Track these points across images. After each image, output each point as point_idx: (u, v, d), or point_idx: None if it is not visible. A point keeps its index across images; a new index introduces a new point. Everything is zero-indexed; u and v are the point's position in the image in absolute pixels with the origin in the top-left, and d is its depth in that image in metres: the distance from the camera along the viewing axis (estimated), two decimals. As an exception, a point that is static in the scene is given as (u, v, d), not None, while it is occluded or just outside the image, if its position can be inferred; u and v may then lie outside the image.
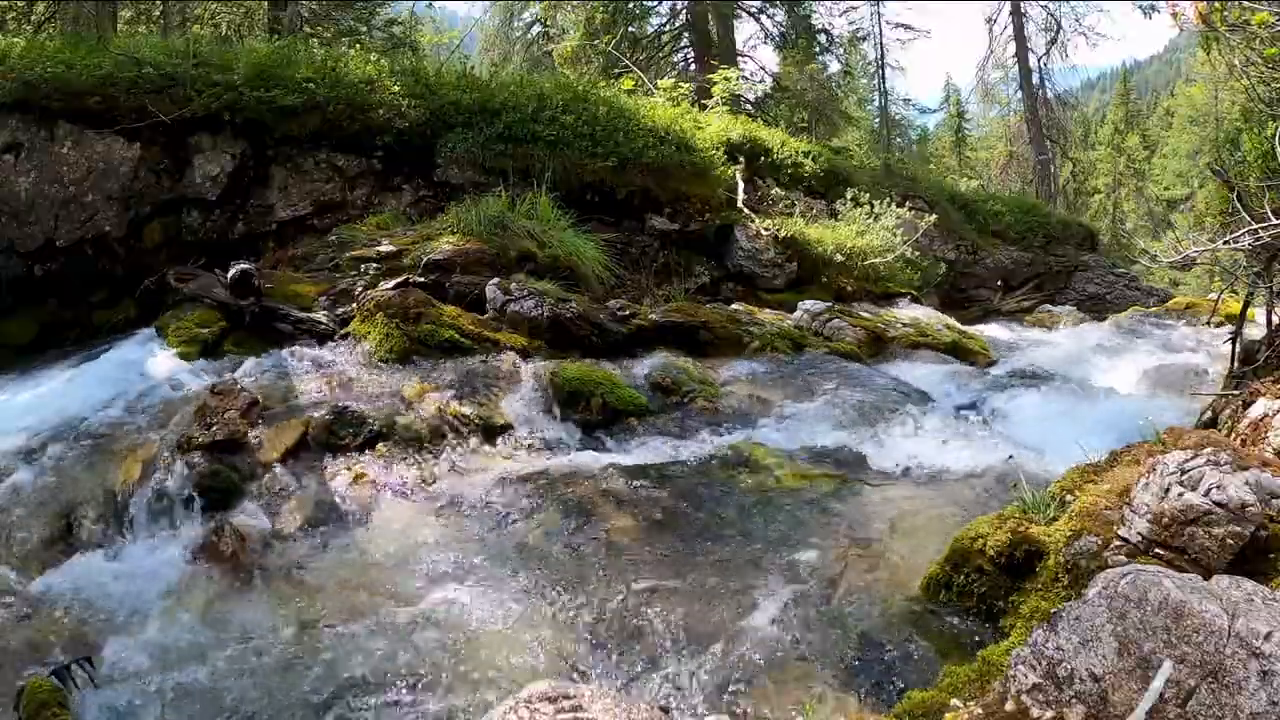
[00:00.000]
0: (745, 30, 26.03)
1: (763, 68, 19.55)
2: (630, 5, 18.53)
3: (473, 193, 7.79)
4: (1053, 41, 23.17)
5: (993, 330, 9.28)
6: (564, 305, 6.11)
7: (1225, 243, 3.96)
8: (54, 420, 4.76)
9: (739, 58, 17.92)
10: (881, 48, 22.73)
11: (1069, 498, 3.04)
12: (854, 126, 22.44)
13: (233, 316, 5.89)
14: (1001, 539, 2.89)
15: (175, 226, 7.45)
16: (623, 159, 8.43)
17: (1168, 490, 2.63)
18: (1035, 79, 23.46)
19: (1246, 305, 4.57)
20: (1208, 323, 7.61)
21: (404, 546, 3.74)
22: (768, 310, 7.50)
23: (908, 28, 22.74)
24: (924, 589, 3.10)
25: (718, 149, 9.84)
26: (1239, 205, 3.88)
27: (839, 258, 9.04)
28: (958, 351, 7.27)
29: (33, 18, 11.76)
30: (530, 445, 4.67)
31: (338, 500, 4.09)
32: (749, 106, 15.65)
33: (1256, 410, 3.38)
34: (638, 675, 2.88)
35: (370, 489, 4.16)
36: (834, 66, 20.81)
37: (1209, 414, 3.93)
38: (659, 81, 12.67)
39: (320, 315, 6.07)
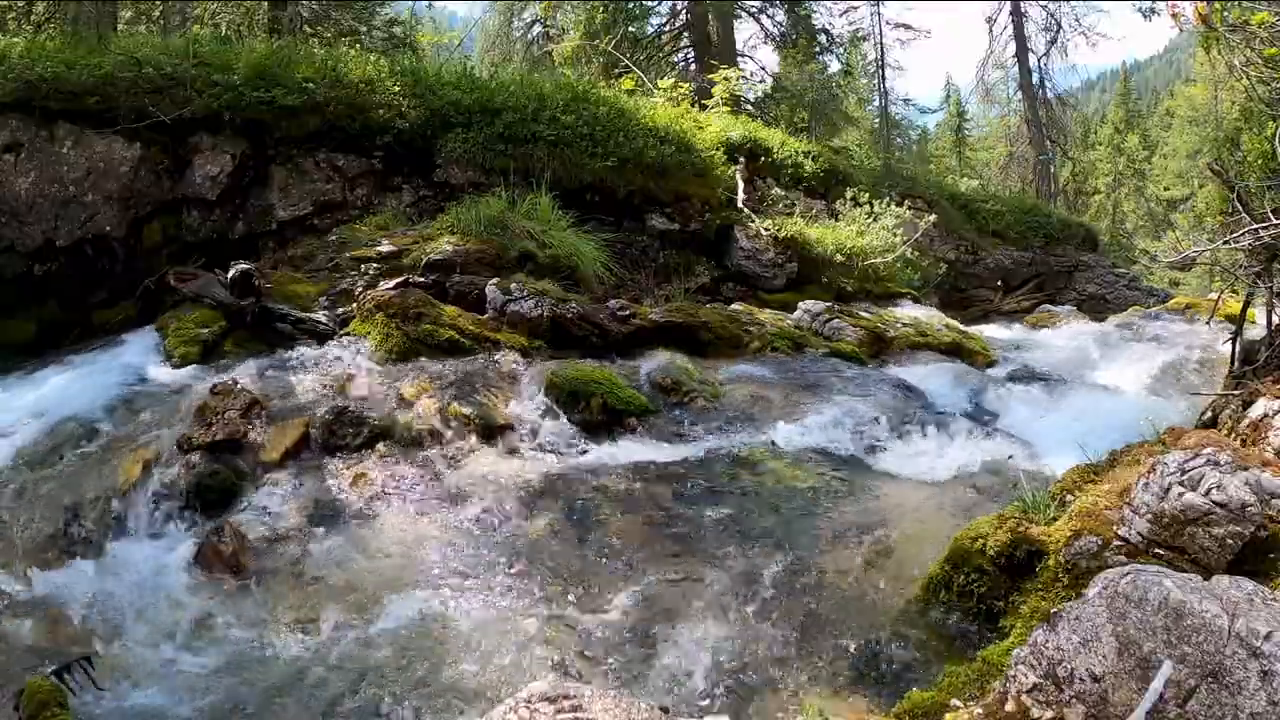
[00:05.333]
0: (745, 30, 25.97)
1: (763, 68, 19.51)
2: (630, 5, 18.50)
3: (473, 193, 7.79)
4: (1053, 41, 23.13)
5: (993, 330, 9.28)
6: (564, 305, 6.11)
7: (1225, 243, 3.95)
8: (54, 420, 4.76)
9: (739, 58, 17.89)
10: (881, 48, 22.64)
11: (1069, 498, 3.04)
12: (854, 126, 22.36)
13: (233, 317, 5.89)
14: (1001, 539, 2.89)
15: (175, 226, 7.44)
16: (623, 159, 8.43)
17: (1168, 490, 2.63)
18: (1035, 79, 23.42)
19: (1246, 305, 4.56)
20: (1208, 323, 7.60)
21: (404, 546, 3.74)
22: (768, 310, 7.50)
23: (908, 28, 22.61)
24: (924, 589, 3.10)
25: (718, 149, 9.85)
26: (1239, 205, 3.87)
27: (839, 258, 9.03)
28: (958, 352, 7.27)
29: (33, 18, 11.74)
30: (530, 445, 4.67)
31: (338, 500, 4.09)
32: (749, 106, 15.63)
33: (1256, 410, 3.37)
34: (638, 674, 2.88)
35: (370, 489, 4.16)
36: (834, 66, 20.78)
37: (1209, 414, 3.93)
38: (659, 81, 12.65)
39: (320, 315, 6.07)
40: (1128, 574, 1.97)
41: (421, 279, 6.35)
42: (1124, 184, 35.66)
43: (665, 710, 2.35)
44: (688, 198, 9.07)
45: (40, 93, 7.01)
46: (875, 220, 9.80)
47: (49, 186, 7.02)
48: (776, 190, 10.23)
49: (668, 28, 19.45)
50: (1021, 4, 23.24)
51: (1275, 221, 3.57)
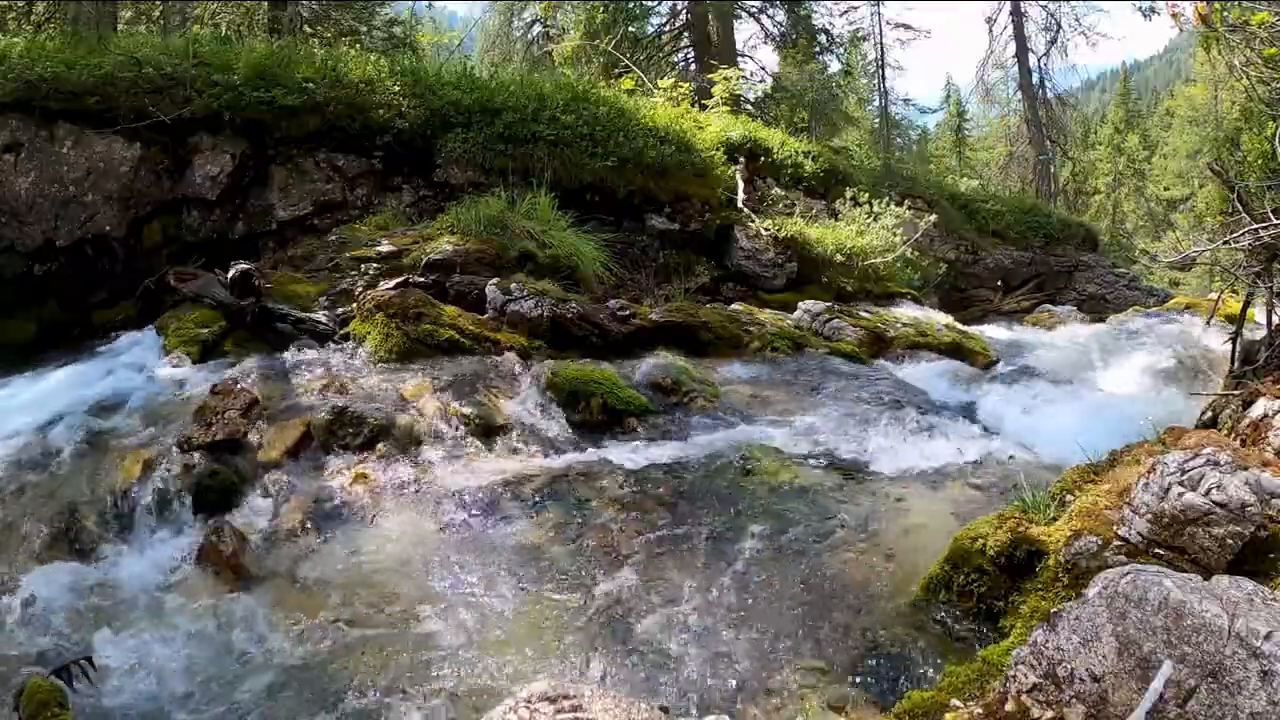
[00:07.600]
0: (745, 30, 25.99)
1: (763, 68, 19.52)
2: (630, 5, 18.51)
3: (472, 193, 7.80)
4: (1053, 41, 23.17)
5: (993, 330, 9.29)
6: (564, 305, 6.11)
7: (1225, 243, 3.95)
8: (54, 420, 4.76)
9: (739, 58, 17.89)
10: (881, 48, 22.65)
11: (1069, 498, 3.04)
12: (854, 126, 22.37)
13: (233, 317, 5.89)
14: (1001, 539, 2.89)
15: (175, 226, 7.45)
16: (623, 159, 8.44)
17: (1168, 490, 2.62)
18: (1035, 79, 23.44)
19: (1246, 305, 4.56)
20: (1208, 323, 7.60)
21: (404, 546, 3.74)
22: (768, 310, 7.51)
23: (908, 28, 22.64)
24: (924, 589, 3.10)
25: (718, 149, 9.86)
26: (1239, 205, 3.87)
27: (839, 258, 9.05)
28: (958, 352, 7.27)
29: (33, 18, 11.75)
30: (530, 445, 4.67)
31: (338, 500, 4.09)
32: (749, 106, 15.64)
33: (1256, 410, 3.37)
34: (638, 675, 2.88)
35: (370, 489, 4.16)
36: (834, 66, 20.80)
37: (1209, 414, 3.93)
38: (659, 81, 12.66)
39: (320, 315, 6.07)
40: (1128, 574, 1.97)
41: (421, 279, 6.36)
42: (1124, 184, 35.68)
43: (665, 710, 2.35)
44: (688, 198, 9.07)
45: (40, 93, 7.02)
46: (875, 220, 9.81)
47: (49, 186, 7.02)
48: (776, 190, 10.24)
49: (668, 28, 19.46)
50: (1021, 4, 23.28)
51: (1275, 221, 3.57)
